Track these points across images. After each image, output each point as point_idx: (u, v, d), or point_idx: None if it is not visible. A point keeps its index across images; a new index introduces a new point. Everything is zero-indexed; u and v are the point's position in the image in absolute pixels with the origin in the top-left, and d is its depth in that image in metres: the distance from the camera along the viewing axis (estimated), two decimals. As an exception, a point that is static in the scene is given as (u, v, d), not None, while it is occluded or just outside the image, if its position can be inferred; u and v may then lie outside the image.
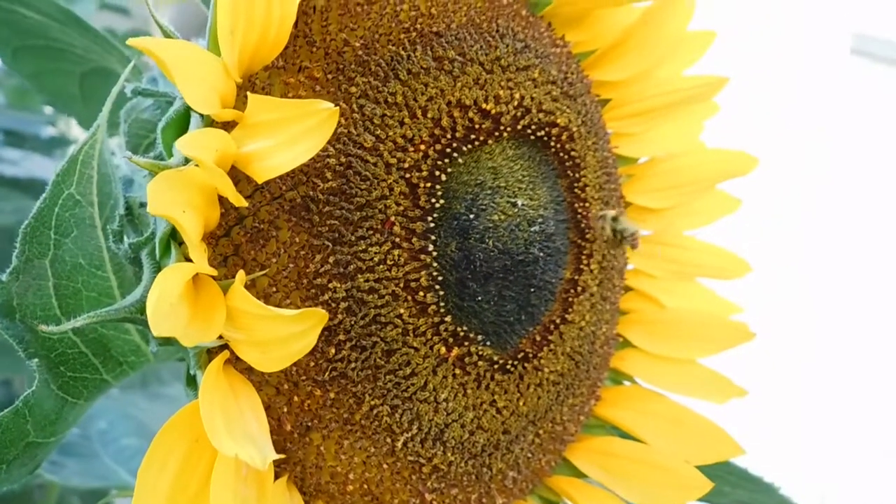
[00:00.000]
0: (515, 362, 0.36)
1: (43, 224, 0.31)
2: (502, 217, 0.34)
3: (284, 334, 0.23)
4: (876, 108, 2.74)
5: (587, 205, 0.40)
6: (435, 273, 0.32)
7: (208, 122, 0.27)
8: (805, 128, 2.49)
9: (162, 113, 0.37)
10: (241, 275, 0.25)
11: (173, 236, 0.27)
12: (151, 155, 0.31)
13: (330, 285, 0.29)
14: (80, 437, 0.74)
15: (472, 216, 0.33)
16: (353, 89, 0.31)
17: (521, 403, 0.37)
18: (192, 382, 0.28)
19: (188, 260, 0.27)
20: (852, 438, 2.39)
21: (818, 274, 2.42)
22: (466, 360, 0.34)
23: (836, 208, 2.53)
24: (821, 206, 2.51)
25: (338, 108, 0.23)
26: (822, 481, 2.23)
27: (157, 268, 0.29)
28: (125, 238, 0.30)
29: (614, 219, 0.40)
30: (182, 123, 0.28)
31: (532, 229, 0.35)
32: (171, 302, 0.21)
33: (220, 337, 0.26)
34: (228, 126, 0.27)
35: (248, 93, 0.25)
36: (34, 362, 0.29)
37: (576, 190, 0.39)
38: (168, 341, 0.29)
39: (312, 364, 0.29)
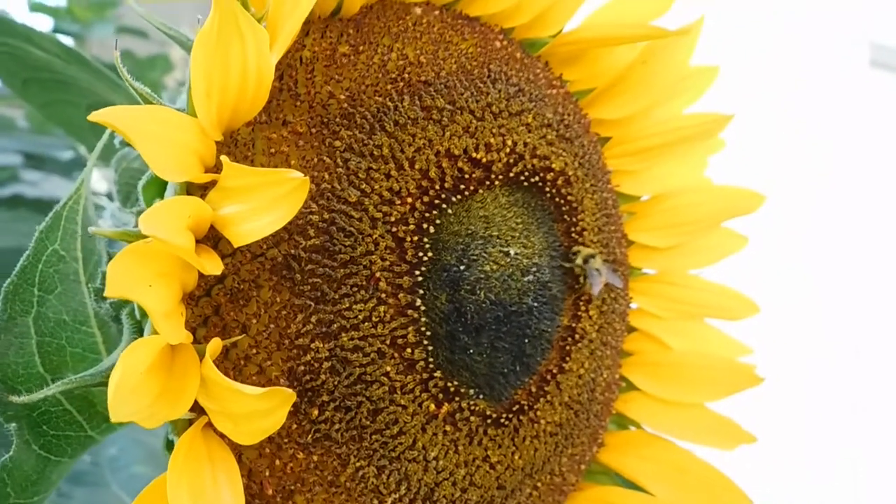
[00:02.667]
0: (510, 415, 0.35)
1: (26, 281, 0.30)
2: (494, 267, 0.33)
3: (252, 410, 0.22)
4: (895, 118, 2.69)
5: (585, 249, 0.39)
6: (423, 328, 0.31)
7: (185, 184, 0.26)
8: (825, 140, 2.46)
9: (151, 162, 0.36)
10: (212, 344, 0.24)
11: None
12: (136, 210, 0.30)
13: (312, 345, 0.29)
14: (90, 465, 0.73)
15: (462, 267, 0.32)
16: (338, 143, 0.30)
17: (516, 457, 0.35)
18: (170, 447, 0.28)
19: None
20: (866, 480, 2.33)
21: (841, 296, 2.37)
22: (458, 415, 0.33)
23: (859, 221, 2.49)
24: (842, 218, 2.46)
25: (307, 178, 0.23)
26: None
27: (138, 327, 0.28)
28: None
29: (590, 257, 0.38)
30: (162, 180, 0.28)
31: (526, 279, 0.34)
32: (135, 380, 0.21)
33: (196, 403, 0.25)
34: (210, 184, 0.27)
35: (222, 157, 0.24)
36: (12, 426, 0.28)
37: (573, 234, 0.38)
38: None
39: (295, 426, 0.29)
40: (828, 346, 2.28)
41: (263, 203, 0.23)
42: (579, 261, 0.37)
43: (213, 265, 0.24)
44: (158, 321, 0.22)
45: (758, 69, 2.28)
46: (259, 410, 0.22)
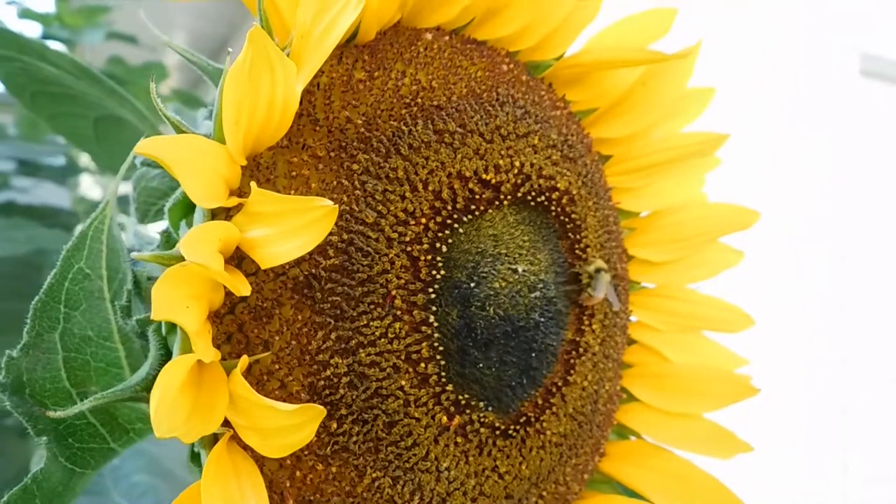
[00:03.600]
0: (517, 426, 0.36)
1: (53, 299, 0.31)
2: (503, 284, 0.35)
3: (282, 425, 0.24)
4: (887, 127, 2.73)
5: (588, 265, 0.40)
6: (436, 343, 0.32)
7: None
8: (816, 149, 2.49)
9: (171, 181, 0.38)
10: (242, 361, 0.25)
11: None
12: (161, 231, 0.31)
13: (332, 361, 0.30)
14: (92, 474, 0.74)
15: (473, 285, 0.34)
16: (356, 166, 0.31)
17: (523, 467, 0.37)
18: (195, 458, 0.29)
19: (193, 337, 0.27)
20: (854, 484, 2.35)
21: (832, 303, 2.40)
22: (468, 427, 0.34)
23: (849, 229, 2.52)
24: (832, 227, 2.49)
25: (336, 206, 0.24)
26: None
27: (164, 344, 0.29)
28: (132, 313, 0.31)
29: (597, 270, 0.40)
30: (187, 203, 0.29)
31: (533, 295, 0.36)
32: (172, 397, 0.22)
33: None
34: (235, 208, 0.28)
35: (252, 183, 0.25)
36: (43, 440, 0.29)
37: (577, 251, 0.40)
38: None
39: (315, 439, 0.30)
40: (815, 356, 2.31)
41: (291, 228, 0.24)
42: (591, 268, 0.38)
43: (243, 286, 0.25)
44: (195, 340, 0.23)
45: (749, 79, 2.31)
46: (289, 426, 0.23)
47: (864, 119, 2.62)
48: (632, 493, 0.44)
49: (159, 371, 0.28)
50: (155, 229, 0.44)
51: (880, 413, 2.43)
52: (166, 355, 0.29)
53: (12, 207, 1.58)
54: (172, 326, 0.29)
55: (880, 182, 2.64)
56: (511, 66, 0.40)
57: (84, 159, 1.92)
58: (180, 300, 0.22)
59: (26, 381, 0.30)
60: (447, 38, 0.38)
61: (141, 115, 0.58)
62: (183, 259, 0.25)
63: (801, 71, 2.53)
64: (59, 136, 0.81)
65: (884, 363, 2.46)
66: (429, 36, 0.37)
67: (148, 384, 0.29)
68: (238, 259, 0.29)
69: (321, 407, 0.23)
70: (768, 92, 2.39)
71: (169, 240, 0.30)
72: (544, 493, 0.39)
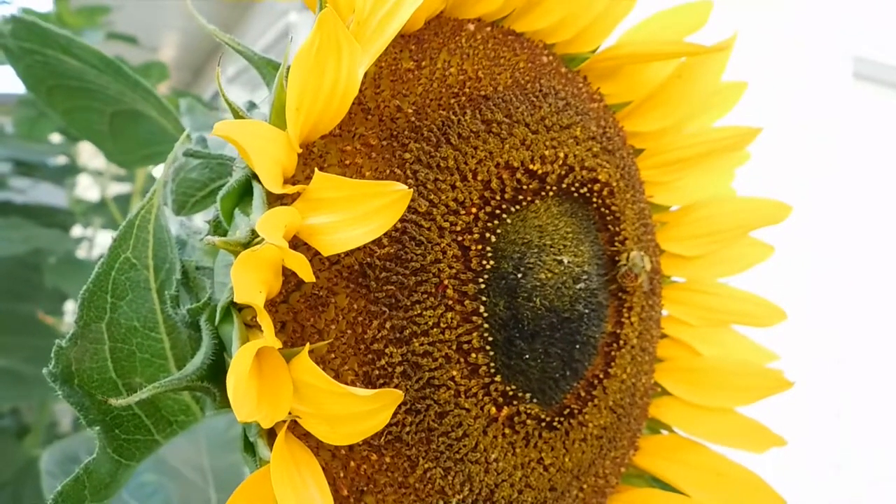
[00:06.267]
0: (561, 419, 0.36)
1: (100, 288, 0.31)
2: (549, 275, 0.34)
3: (356, 412, 0.23)
4: (880, 131, 2.75)
5: (627, 258, 0.40)
6: (485, 334, 0.32)
7: (266, 194, 0.27)
8: (809, 152, 2.50)
9: (210, 172, 0.37)
10: (306, 348, 0.25)
11: (234, 303, 0.27)
12: (209, 219, 0.31)
13: (387, 350, 0.29)
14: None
15: (519, 275, 0.34)
16: (407, 155, 0.31)
17: (566, 459, 0.37)
18: (249, 449, 0.28)
19: (248, 326, 0.27)
20: (858, 489, 2.36)
21: (828, 305, 2.41)
22: (515, 419, 0.34)
23: (842, 232, 2.53)
24: (826, 229, 2.51)
25: (411, 190, 0.24)
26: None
27: (216, 333, 0.29)
28: (181, 303, 0.31)
29: (637, 254, 0.40)
30: (240, 192, 0.29)
31: (577, 286, 0.36)
32: (245, 383, 0.22)
33: (284, 407, 0.26)
34: (289, 196, 0.28)
35: (316, 169, 0.25)
36: (95, 430, 0.29)
37: (616, 243, 0.40)
38: (227, 403, 0.29)
39: (368, 429, 0.30)
40: (810, 358, 2.32)
41: (362, 213, 0.24)
42: (632, 253, 0.38)
43: (308, 272, 0.25)
44: (266, 326, 0.23)
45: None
46: (364, 412, 0.23)
47: (858, 122, 2.64)
48: (666, 487, 0.44)
49: (213, 361, 0.28)
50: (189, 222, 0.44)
51: (875, 414, 2.44)
52: (220, 345, 0.29)
53: (9, 207, 1.57)
54: (226, 316, 0.28)
55: (874, 184, 2.66)
56: (550, 58, 0.40)
57: (82, 159, 1.91)
58: (255, 285, 0.22)
59: (75, 371, 0.30)
60: (488, 28, 0.38)
61: (164, 109, 0.57)
62: (247, 246, 0.25)
63: (794, 74, 2.55)
64: (73, 130, 0.81)
65: (880, 365, 2.48)
66: (471, 27, 0.37)
67: (202, 374, 0.28)
68: (292, 247, 0.29)
69: (398, 391, 0.23)
70: (761, 95, 2.40)
71: (218, 228, 0.30)
72: (584, 486, 0.39)
